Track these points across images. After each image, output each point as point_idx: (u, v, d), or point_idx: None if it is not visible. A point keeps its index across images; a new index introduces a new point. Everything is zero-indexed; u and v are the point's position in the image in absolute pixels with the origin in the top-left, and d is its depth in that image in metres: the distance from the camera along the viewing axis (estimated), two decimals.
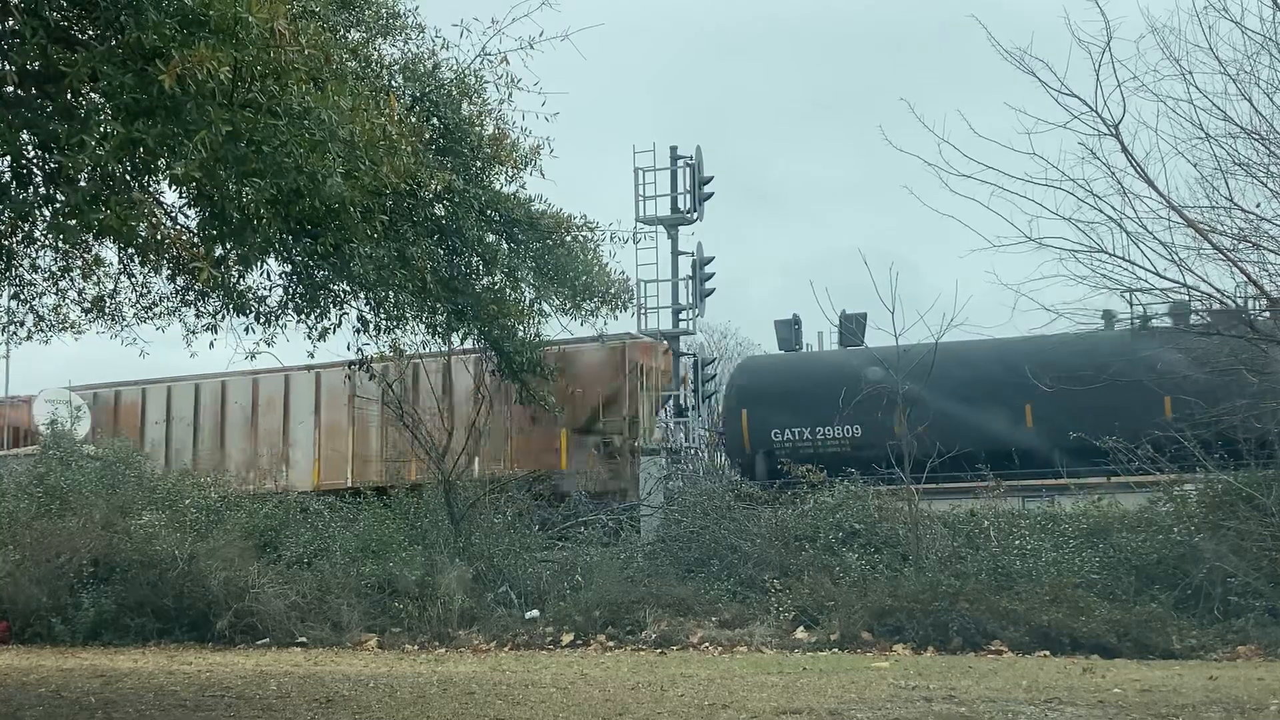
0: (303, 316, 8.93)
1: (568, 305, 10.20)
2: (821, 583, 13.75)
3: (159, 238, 6.99)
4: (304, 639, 14.21)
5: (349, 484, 19.06)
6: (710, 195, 18.74)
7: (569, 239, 9.83)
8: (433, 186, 8.08)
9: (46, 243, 8.75)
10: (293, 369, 18.18)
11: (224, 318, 9.30)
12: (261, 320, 8.88)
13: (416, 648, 13.92)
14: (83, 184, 6.03)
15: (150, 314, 9.93)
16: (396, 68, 8.69)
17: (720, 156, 63.49)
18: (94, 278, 9.70)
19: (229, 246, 6.84)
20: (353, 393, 17.99)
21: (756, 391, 18.53)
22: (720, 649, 13.01)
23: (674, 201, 18.53)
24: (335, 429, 20.03)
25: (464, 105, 8.93)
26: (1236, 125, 11.67)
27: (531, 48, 8.58)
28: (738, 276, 64.21)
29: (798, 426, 17.74)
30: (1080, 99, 11.82)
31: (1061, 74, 11.73)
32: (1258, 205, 11.92)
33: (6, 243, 8.28)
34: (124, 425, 22.46)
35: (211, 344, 9.66)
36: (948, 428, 15.23)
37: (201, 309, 9.51)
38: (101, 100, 5.91)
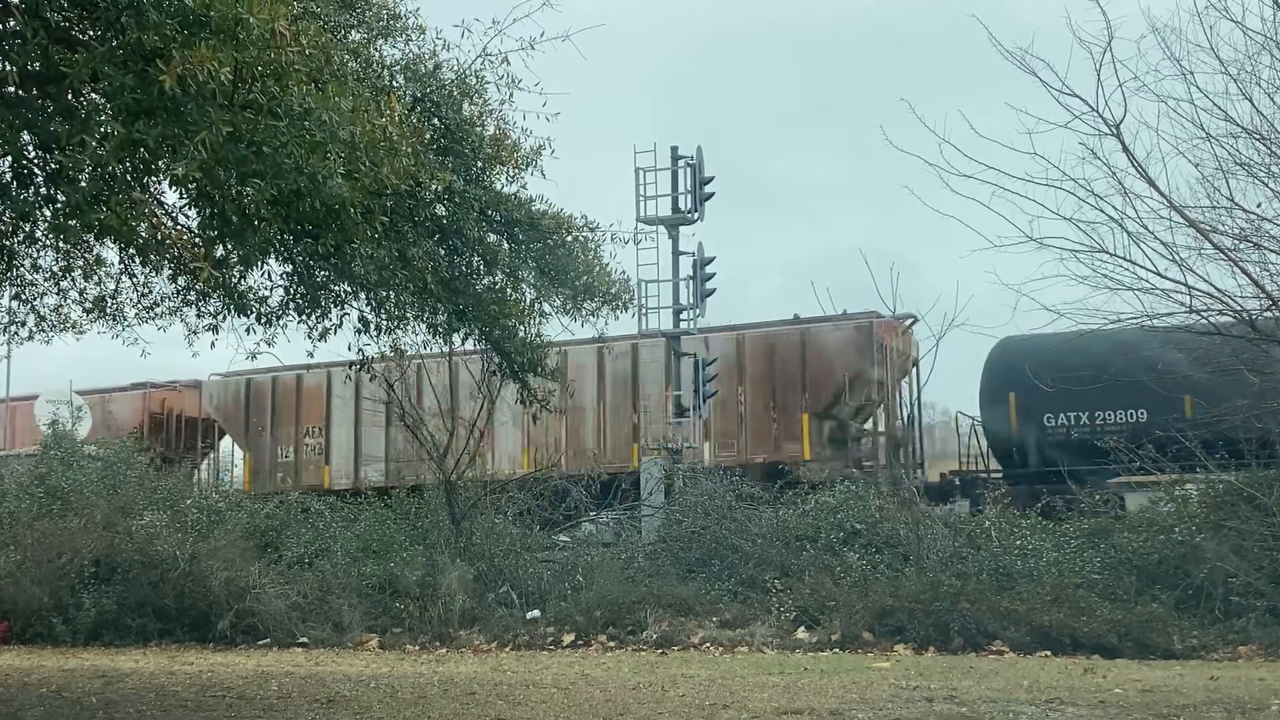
0: (304, 317, 8.93)
1: (568, 305, 10.18)
2: (823, 583, 13.75)
3: (160, 238, 6.99)
4: (305, 639, 14.21)
5: (563, 472, 17.96)
6: (711, 195, 18.64)
7: (570, 239, 9.80)
8: (433, 187, 8.06)
9: (48, 243, 8.76)
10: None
11: (225, 318, 9.33)
12: (262, 321, 8.88)
13: (418, 648, 13.92)
14: (83, 184, 6.03)
15: (151, 314, 9.96)
16: (397, 68, 8.66)
17: (720, 156, 63.51)
18: (95, 278, 9.72)
19: (230, 247, 6.84)
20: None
21: (1024, 373, 16.32)
22: (721, 649, 13.01)
23: (674, 201, 18.45)
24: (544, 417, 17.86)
25: (465, 106, 8.90)
26: (1237, 125, 11.72)
27: (532, 48, 8.56)
28: (738, 276, 64.33)
29: (1073, 410, 16.48)
30: (1081, 99, 11.87)
31: (1062, 74, 11.78)
32: (1259, 205, 11.96)
33: (8, 243, 8.28)
34: (307, 408, 22.36)
35: (213, 344, 9.72)
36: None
37: (203, 309, 9.54)
38: (102, 100, 5.91)
